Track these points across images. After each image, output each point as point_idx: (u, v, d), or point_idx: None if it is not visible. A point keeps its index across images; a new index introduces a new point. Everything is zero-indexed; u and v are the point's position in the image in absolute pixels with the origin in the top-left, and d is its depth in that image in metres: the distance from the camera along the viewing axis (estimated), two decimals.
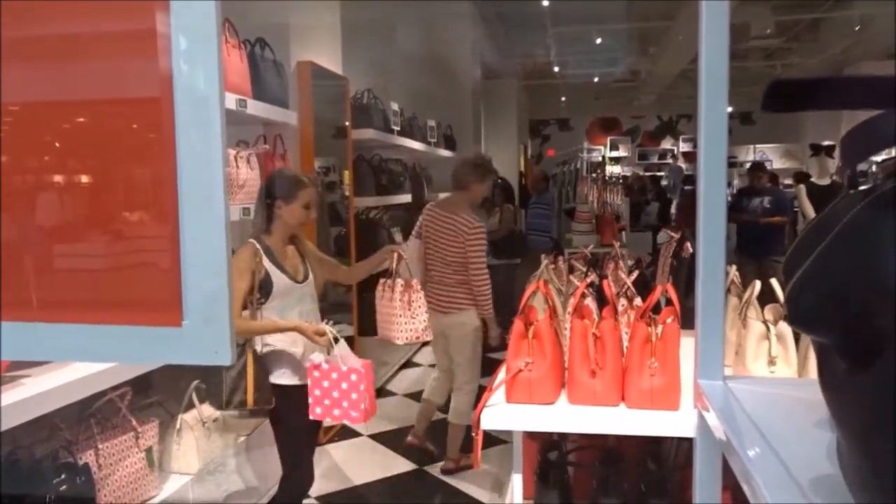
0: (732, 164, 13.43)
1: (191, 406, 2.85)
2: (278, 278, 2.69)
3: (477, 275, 3.73)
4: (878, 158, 8.85)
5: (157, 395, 3.02)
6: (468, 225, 3.71)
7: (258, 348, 2.70)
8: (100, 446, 2.36)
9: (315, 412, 2.61)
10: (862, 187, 0.56)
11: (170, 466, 2.77)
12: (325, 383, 2.58)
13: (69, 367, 2.11)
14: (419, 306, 3.11)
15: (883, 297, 0.49)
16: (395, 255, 3.10)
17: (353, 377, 2.57)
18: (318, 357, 2.61)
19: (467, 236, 3.71)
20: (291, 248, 2.83)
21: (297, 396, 2.71)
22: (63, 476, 2.12)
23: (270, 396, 2.67)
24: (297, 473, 2.80)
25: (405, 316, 3.09)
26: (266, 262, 2.67)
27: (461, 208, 3.80)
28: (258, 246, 2.69)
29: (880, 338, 0.50)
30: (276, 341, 2.73)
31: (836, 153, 7.68)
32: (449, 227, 3.77)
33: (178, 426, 2.77)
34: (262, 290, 2.65)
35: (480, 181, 3.87)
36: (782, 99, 0.66)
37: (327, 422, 2.99)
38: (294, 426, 2.76)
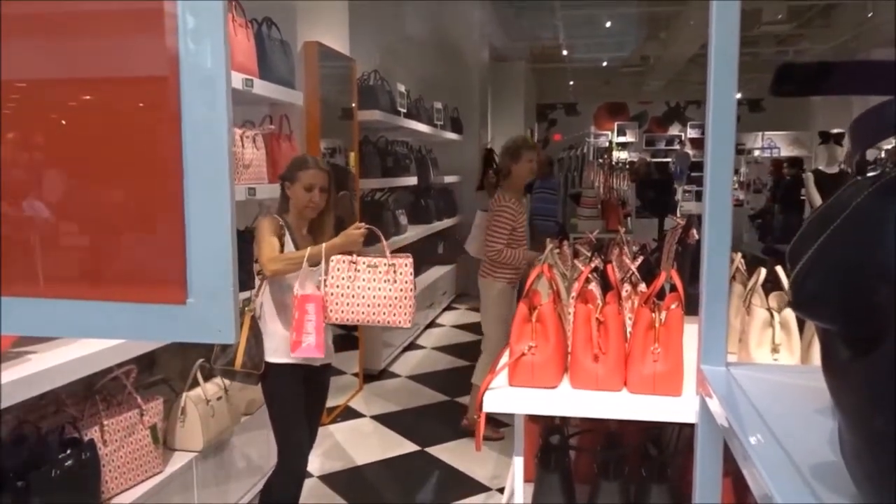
0: (740, 151, 13.36)
1: (195, 384, 2.87)
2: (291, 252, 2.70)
3: (489, 247, 4.08)
4: (888, 146, 8.78)
5: (162, 372, 3.04)
6: (495, 201, 4.16)
7: (257, 313, 2.70)
8: (105, 423, 2.38)
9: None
10: (870, 174, 0.56)
11: (174, 444, 2.79)
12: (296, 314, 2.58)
13: (75, 343, 2.12)
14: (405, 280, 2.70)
15: (886, 282, 0.49)
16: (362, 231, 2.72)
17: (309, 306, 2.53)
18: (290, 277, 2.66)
19: (491, 212, 4.15)
20: (308, 235, 2.82)
21: (290, 375, 2.71)
22: (68, 452, 2.14)
23: (260, 363, 2.65)
24: (289, 452, 2.79)
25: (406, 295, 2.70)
26: (287, 236, 2.71)
27: (503, 190, 4.22)
28: (281, 221, 2.72)
29: (883, 323, 0.50)
30: (274, 319, 2.73)
31: (846, 141, 7.62)
32: (490, 204, 4.27)
33: (182, 404, 2.79)
34: None
35: (514, 162, 4.21)
36: (792, 83, 0.65)
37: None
38: (287, 405, 2.75)
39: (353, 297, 2.64)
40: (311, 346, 2.53)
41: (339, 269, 2.63)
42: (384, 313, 2.65)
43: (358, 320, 2.67)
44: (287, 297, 2.70)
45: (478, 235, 4.65)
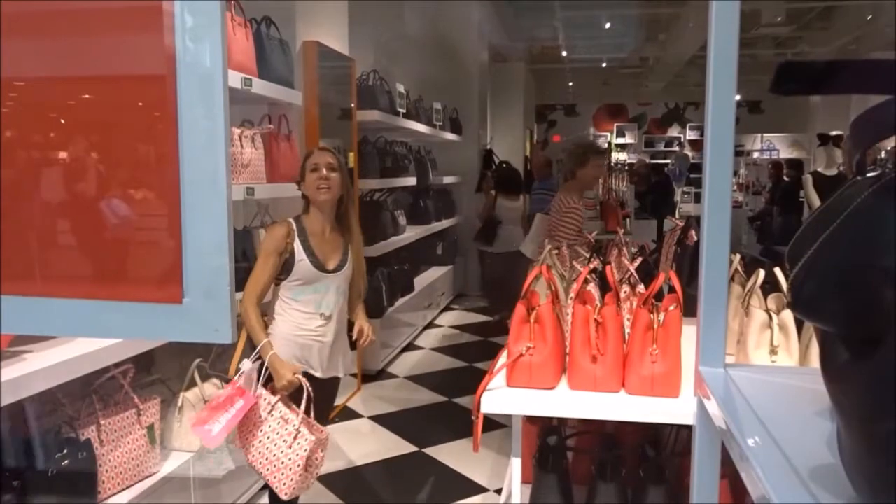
0: (739, 152, 13.37)
1: (193, 384, 2.86)
2: (301, 261, 2.60)
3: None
4: (889, 145, 8.79)
5: (159, 372, 3.03)
6: (563, 203, 4.28)
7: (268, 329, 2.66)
8: (102, 422, 2.37)
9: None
10: (870, 174, 0.56)
11: (171, 444, 2.79)
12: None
13: (72, 343, 2.12)
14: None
15: (887, 284, 0.49)
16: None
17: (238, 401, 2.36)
18: (246, 364, 2.46)
19: (559, 213, 4.28)
20: (335, 236, 2.71)
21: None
22: (65, 451, 2.13)
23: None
24: None
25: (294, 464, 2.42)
26: (296, 243, 2.60)
27: (568, 191, 4.40)
28: (294, 226, 2.63)
29: (883, 325, 0.50)
30: (286, 331, 2.65)
31: (844, 142, 7.63)
32: (554, 205, 4.43)
33: (179, 404, 2.79)
34: (283, 267, 2.61)
35: (581, 165, 4.38)
36: (793, 81, 0.65)
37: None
38: None
39: (252, 435, 2.46)
40: (209, 435, 2.31)
41: (260, 405, 2.46)
42: (267, 470, 2.44)
43: (251, 463, 2.48)
44: (294, 302, 2.65)
45: (535, 237, 4.81)
